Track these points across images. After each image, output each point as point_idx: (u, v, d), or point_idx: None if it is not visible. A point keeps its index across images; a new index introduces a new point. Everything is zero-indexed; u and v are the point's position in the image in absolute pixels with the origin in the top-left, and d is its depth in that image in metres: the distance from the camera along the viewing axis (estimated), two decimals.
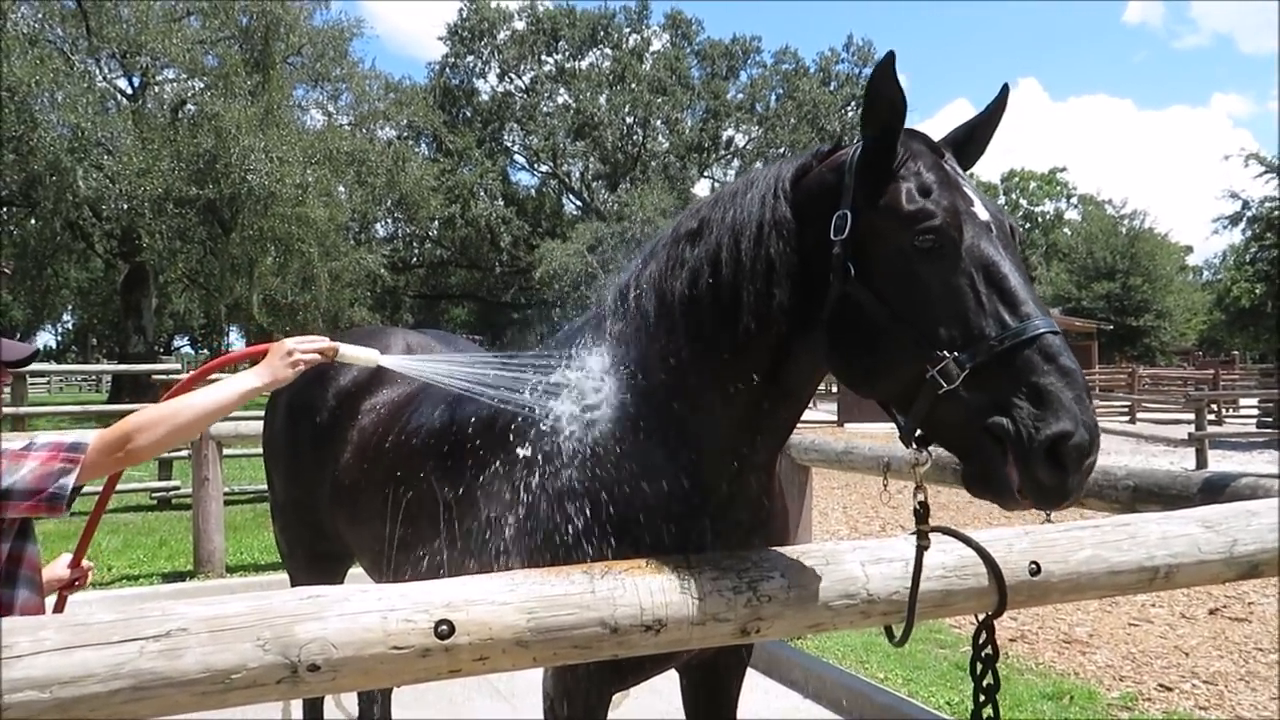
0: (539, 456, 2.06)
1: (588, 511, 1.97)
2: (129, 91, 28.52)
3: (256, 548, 8.56)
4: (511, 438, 2.16)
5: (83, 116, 22.64)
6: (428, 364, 2.44)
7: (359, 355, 2.38)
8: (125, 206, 24.23)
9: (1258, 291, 25.34)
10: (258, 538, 8.89)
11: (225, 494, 8.33)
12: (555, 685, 2.14)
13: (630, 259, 2.18)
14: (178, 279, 31.72)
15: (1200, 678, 5.16)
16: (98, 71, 26.63)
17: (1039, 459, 1.47)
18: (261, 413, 3.82)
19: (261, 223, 25.49)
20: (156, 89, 28.96)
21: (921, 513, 1.75)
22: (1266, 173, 25.35)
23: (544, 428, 2.08)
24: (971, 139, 1.84)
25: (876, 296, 1.63)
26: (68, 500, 1.96)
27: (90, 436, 2.07)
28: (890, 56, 1.62)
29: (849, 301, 1.66)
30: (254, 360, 2.36)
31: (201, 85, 27.33)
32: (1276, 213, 25.02)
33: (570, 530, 1.99)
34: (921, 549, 1.77)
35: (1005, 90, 1.86)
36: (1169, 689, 4.98)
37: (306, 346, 2.28)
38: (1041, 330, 1.52)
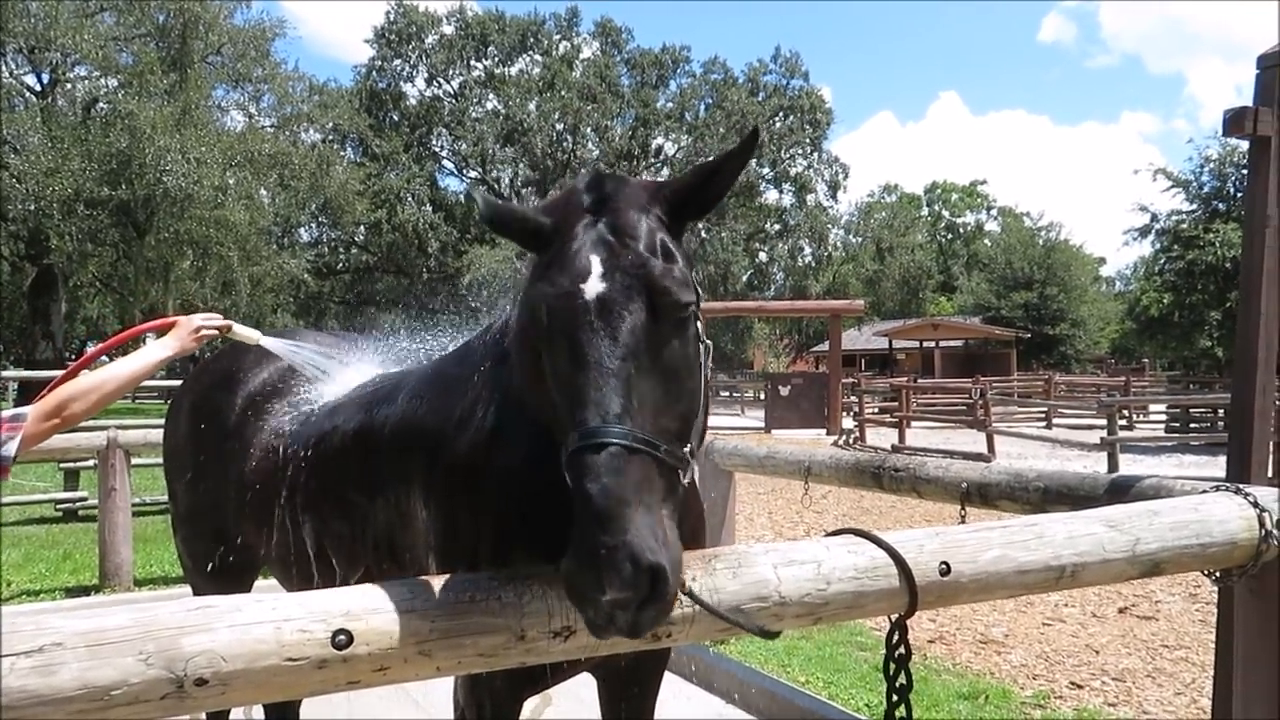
0: (450, 463, 2.01)
1: (503, 518, 1.93)
2: (37, 88, 27.54)
3: (167, 560, 8.27)
4: (428, 445, 2.10)
5: None
6: (307, 350, 2.82)
7: (247, 334, 2.86)
8: (33, 207, 23.41)
9: (1165, 301, 26.21)
10: (168, 549, 8.58)
11: (134, 505, 8.05)
12: (466, 691, 2.10)
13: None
14: (89, 283, 30.73)
15: (1110, 675, 5.30)
16: (3, 67, 25.67)
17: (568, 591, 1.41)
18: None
19: (178, 225, 24.85)
20: (67, 86, 28.04)
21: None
22: (1173, 187, 26.32)
23: (455, 434, 2.03)
24: (707, 185, 1.62)
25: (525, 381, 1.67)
26: (12, 461, 2.30)
27: (28, 408, 2.37)
28: (486, 206, 1.59)
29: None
30: (161, 332, 2.76)
31: (115, 83, 26.53)
32: (1183, 226, 25.98)
33: (486, 538, 1.94)
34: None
35: (754, 134, 1.64)
36: (1080, 686, 5.11)
37: (209, 322, 2.72)
38: (581, 444, 1.36)
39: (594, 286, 1.44)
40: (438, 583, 1.65)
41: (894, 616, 1.98)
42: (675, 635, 1.80)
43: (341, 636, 1.50)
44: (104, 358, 2.90)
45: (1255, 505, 2.54)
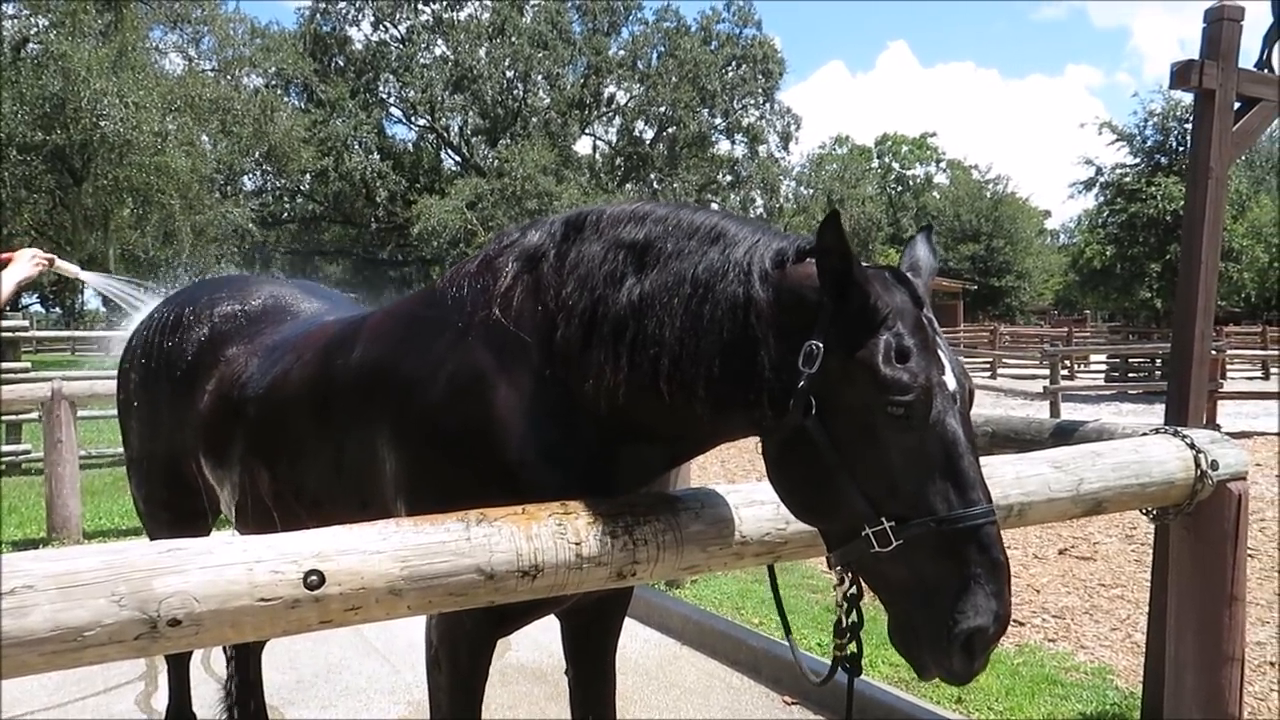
0: (430, 408, 2.00)
1: (477, 461, 1.93)
2: None
3: (116, 512, 8.18)
4: (398, 386, 2.07)
5: None
6: (117, 285, 3.63)
7: (69, 270, 3.57)
8: None
9: (1108, 253, 26.71)
10: (117, 502, 8.49)
11: (81, 457, 7.92)
12: (440, 634, 2.12)
13: (537, 220, 2.10)
14: (24, 231, 29.73)
15: (1050, 613, 5.51)
16: None
17: (955, 649, 1.52)
18: (115, 371, 3.69)
19: (116, 172, 24.08)
20: None
21: (848, 632, 1.80)
22: (1117, 141, 26.72)
23: (433, 378, 2.01)
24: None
25: (832, 442, 1.59)
26: None
27: None
28: (835, 214, 1.57)
29: (803, 436, 1.61)
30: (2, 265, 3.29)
31: (46, 23, 25.44)
32: (1126, 179, 26.42)
33: (459, 479, 1.94)
34: (849, 672, 1.84)
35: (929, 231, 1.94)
36: (1021, 624, 5.30)
37: (41, 255, 3.44)
38: (980, 521, 1.54)
39: (958, 381, 1.62)
40: (408, 524, 1.67)
41: None
42: (640, 573, 1.85)
43: (314, 577, 1.52)
44: None
45: (1192, 447, 2.65)
